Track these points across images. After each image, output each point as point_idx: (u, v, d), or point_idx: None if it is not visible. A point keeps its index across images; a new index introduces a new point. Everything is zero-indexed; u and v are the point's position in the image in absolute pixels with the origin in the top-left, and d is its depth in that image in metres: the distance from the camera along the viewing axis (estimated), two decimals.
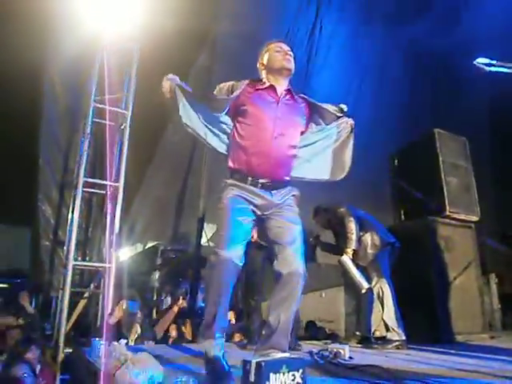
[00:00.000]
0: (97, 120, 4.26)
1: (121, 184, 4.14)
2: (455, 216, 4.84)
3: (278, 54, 2.45)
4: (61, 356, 3.25)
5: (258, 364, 1.75)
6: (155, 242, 6.62)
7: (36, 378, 2.66)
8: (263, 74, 2.50)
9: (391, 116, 7.56)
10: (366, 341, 3.95)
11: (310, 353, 3.08)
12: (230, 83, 2.41)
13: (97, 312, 4.17)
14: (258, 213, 2.34)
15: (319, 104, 2.55)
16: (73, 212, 4.03)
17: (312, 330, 5.09)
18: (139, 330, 4.57)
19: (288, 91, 2.46)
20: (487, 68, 2.33)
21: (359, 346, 3.90)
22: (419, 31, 7.48)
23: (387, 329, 3.87)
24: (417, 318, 4.18)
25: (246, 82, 2.42)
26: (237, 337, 4.40)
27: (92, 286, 4.36)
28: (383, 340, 3.91)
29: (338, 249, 4.07)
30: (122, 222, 4.41)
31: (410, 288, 4.26)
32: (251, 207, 2.32)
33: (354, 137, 2.59)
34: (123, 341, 2.49)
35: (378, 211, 5.07)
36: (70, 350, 3.33)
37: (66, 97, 5.40)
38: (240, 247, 2.22)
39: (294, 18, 7.40)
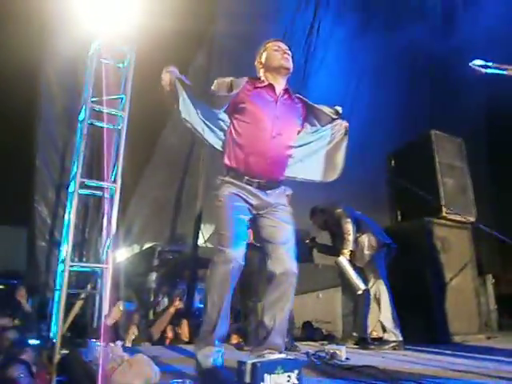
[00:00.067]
0: (93, 121, 4.25)
1: (118, 185, 4.13)
2: (451, 217, 4.86)
3: (276, 53, 2.44)
4: (57, 357, 3.23)
5: (253, 365, 1.75)
6: (152, 243, 6.60)
7: (33, 378, 2.65)
8: (261, 73, 2.49)
9: (388, 116, 7.57)
10: (363, 342, 3.95)
11: (307, 354, 3.08)
12: (229, 79, 2.37)
13: (93, 313, 4.15)
14: (253, 212, 2.34)
15: (315, 105, 2.55)
16: (69, 213, 4.01)
17: (309, 331, 5.08)
18: (136, 332, 4.56)
19: (286, 91, 2.45)
20: (483, 70, 2.34)
21: (356, 346, 3.91)
22: (417, 32, 7.49)
23: (384, 330, 3.88)
24: (413, 318, 4.19)
25: (246, 79, 2.40)
26: (234, 338, 4.38)
27: (89, 286, 4.34)
28: (380, 341, 3.92)
29: (335, 250, 4.08)
30: (119, 223, 4.40)
31: (407, 289, 4.27)
32: (247, 206, 2.31)
33: (348, 139, 2.59)
34: (119, 342, 2.48)
35: (375, 212, 5.08)
36: (67, 351, 3.31)
37: (62, 97, 5.40)
38: (243, 246, 2.20)
39: (292, 18, 7.41)
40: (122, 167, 4.17)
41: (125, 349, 2.56)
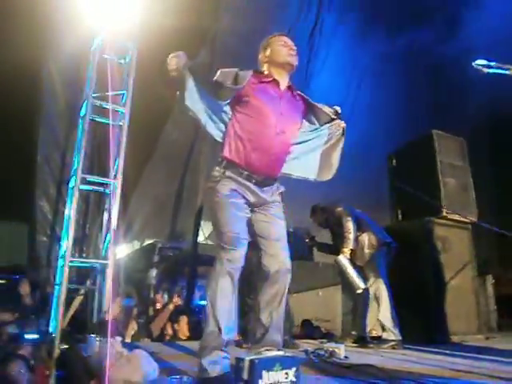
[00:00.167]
0: (95, 116, 4.25)
1: (119, 181, 4.13)
2: (452, 217, 4.85)
3: (283, 48, 2.40)
4: (56, 352, 3.24)
5: (252, 361, 1.76)
6: (153, 240, 6.62)
7: (32, 374, 2.66)
8: (265, 67, 2.45)
9: (390, 116, 7.57)
10: (362, 340, 3.96)
11: (306, 351, 3.09)
12: (234, 71, 2.28)
13: (93, 309, 4.16)
14: (250, 208, 2.31)
15: (315, 103, 2.53)
16: (70, 208, 4.02)
17: (308, 329, 5.10)
18: (135, 327, 4.58)
19: (289, 87, 2.43)
20: (485, 70, 2.34)
21: (355, 345, 3.91)
22: (419, 32, 7.49)
23: (383, 329, 3.88)
24: (413, 318, 4.19)
25: (251, 72, 2.34)
26: (235, 334, 4.39)
27: (89, 282, 4.35)
28: (379, 340, 3.92)
29: (335, 248, 4.08)
30: (120, 219, 4.41)
31: (407, 288, 4.26)
32: (245, 203, 2.27)
33: (344, 140, 2.58)
34: (119, 338, 2.49)
35: (376, 211, 5.08)
36: (66, 346, 3.32)
37: (64, 94, 5.41)
38: (245, 245, 2.16)
39: (295, 18, 7.41)
40: (123, 163, 4.17)
41: (124, 344, 2.57)
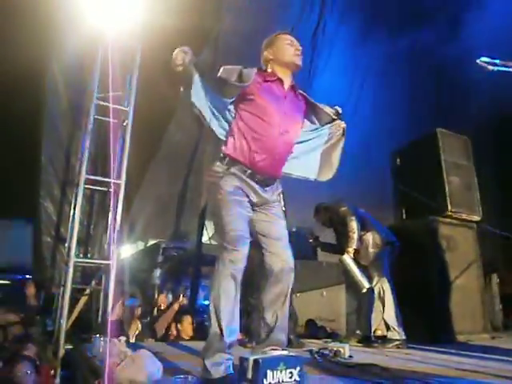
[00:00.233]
0: (99, 117, 4.25)
1: (122, 181, 4.13)
2: (457, 216, 4.83)
3: (290, 48, 2.39)
4: (61, 352, 3.25)
5: (256, 361, 1.75)
6: (157, 240, 6.62)
7: (38, 375, 2.67)
8: (268, 65, 2.43)
9: (393, 116, 7.55)
10: (367, 340, 3.95)
11: (310, 351, 3.08)
12: (238, 68, 2.25)
13: (98, 309, 4.17)
14: (251, 208, 2.30)
15: (316, 103, 2.53)
16: (74, 209, 4.02)
17: (312, 329, 5.08)
18: (139, 327, 4.58)
19: (292, 87, 2.42)
20: (490, 67, 2.32)
21: (359, 345, 3.90)
22: (422, 32, 7.47)
23: (388, 328, 3.87)
24: (417, 317, 4.18)
25: (255, 70, 2.32)
26: (238, 335, 4.39)
27: (93, 282, 4.36)
28: (383, 339, 3.91)
29: (339, 248, 4.07)
30: (124, 219, 4.41)
31: (411, 287, 4.25)
32: (248, 201, 2.26)
33: (345, 140, 2.58)
34: (123, 338, 2.50)
35: (380, 210, 5.08)
36: (71, 347, 3.33)
37: (68, 94, 5.40)
38: (248, 244, 2.15)
39: (298, 18, 7.39)
40: (127, 163, 4.17)
41: (128, 344, 2.58)
